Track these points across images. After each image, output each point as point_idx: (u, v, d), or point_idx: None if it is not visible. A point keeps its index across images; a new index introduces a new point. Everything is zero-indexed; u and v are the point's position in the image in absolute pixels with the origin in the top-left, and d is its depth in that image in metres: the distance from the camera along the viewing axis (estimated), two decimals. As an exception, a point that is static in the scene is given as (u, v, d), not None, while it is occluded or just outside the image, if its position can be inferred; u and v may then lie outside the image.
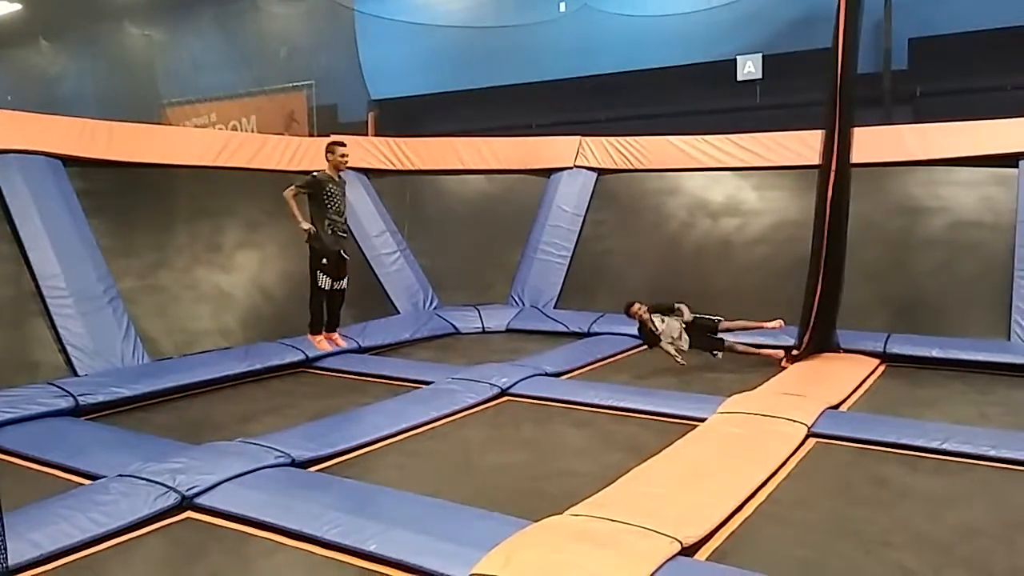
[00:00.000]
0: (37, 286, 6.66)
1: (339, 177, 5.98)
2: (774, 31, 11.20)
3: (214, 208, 8.52)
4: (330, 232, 5.83)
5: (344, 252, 5.96)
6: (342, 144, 6.10)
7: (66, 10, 17.57)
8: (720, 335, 7.21)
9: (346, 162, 6.03)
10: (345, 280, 6.09)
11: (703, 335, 7.18)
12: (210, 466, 4.33)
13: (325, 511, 3.82)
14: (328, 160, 6.07)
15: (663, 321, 7.14)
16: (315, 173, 6.01)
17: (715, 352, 7.17)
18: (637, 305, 7.18)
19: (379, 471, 4.70)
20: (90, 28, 18.28)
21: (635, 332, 7.32)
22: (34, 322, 6.55)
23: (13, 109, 7.68)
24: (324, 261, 5.84)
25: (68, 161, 7.43)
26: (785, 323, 7.27)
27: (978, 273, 7.95)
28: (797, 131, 9.08)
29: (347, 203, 6.10)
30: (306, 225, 5.87)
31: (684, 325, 7.15)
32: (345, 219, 6.01)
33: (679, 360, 7.03)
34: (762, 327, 7.26)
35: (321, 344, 5.95)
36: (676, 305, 7.24)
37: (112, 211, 7.62)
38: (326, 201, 5.80)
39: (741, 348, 7.22)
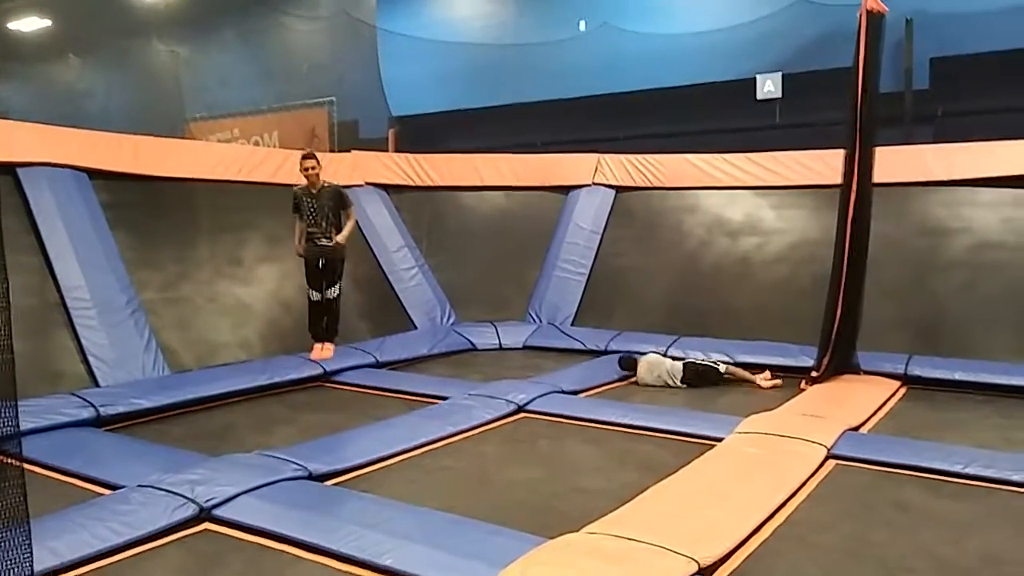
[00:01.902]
0: (61, 297, 6.75)
1: (315, 190, 5.99)
2: (794, 50, 11.20)
3: (236, 222, 8.61)
4: (307, 242, 5.94)
5: (322, 262, 5.95)
6: (307, 157, 6.07)
7: (95, 26, 17.93)
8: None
9: (311, 174, 5.97)
10: (333, 290, 6.04)
11: (702, 376, 7.32)
12: (228, 478, 4.36)
13: (342, 524, 3.83)
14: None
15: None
16: (294, 188, 6.09)
17: (714, 366, 7.33)
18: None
19: (395, 486, 4.70)
20: (118, 44, 18.64)
21: (651, 350, 7.36)
22: (58, 332, 6.63)
23: (41, 122, 7.82)
24: (305, 271, 5.97)
25: (94, 174, 7.55)
26: (802, 342, 7.27)
27: (1001, 295, 7.86)
28: (817, 150, 9.07)
29: (336, 214, 6.13)
30: (297, 248, 6.10)
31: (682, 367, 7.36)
32: (325, 229, 6.01)
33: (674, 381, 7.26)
34: (754, 381, 7.26)
35: (312, 353, 5.94)
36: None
37: (136, 224, 7.73)
38: (303, 213, 5.93)
39: (740, 373, 7.34)
